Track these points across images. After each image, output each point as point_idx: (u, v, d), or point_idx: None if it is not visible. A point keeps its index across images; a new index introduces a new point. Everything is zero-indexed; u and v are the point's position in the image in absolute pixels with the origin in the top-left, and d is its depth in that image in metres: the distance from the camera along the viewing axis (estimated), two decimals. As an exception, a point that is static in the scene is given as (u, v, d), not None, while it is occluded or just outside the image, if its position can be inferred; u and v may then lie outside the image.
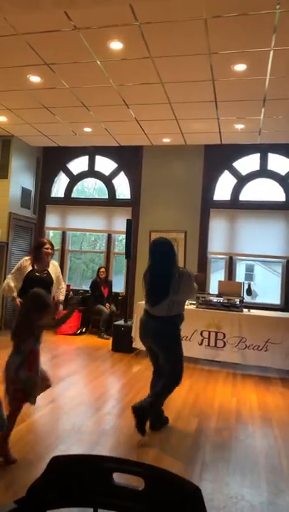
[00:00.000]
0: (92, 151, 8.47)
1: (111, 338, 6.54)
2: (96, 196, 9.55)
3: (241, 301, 5.86)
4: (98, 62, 4.72)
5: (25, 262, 4.30)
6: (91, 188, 10.11)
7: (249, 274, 11.85)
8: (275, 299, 7.52)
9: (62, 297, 4.51)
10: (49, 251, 4.36)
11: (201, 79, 4.95)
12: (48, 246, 4.35)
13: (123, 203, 8.36)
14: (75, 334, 7.45)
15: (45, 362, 4.82)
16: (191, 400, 4.25)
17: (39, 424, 3.44)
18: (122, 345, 6.24)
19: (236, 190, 7.75)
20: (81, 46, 4.37)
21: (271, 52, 4.28)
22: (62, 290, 4.53)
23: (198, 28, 3.93)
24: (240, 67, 4.62)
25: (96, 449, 3.00)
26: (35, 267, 4.28)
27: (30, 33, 4.19)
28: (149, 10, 3.71)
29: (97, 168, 8.60)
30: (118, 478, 1.01)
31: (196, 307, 5.90)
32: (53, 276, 4.36)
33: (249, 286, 6.24)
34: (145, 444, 3.15)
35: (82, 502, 1.04)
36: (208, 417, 3.82)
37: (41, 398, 4.03)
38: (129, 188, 8.33)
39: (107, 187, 8.54)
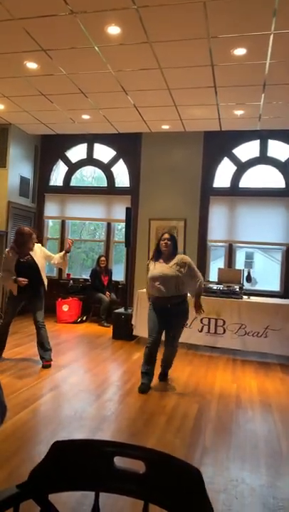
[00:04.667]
0: (90, 139, 8.40)
1: (111, 326, 6.58)
2: (95, 184, 9.49)
3: (241, 288, 5.88)
4: (96, 48, 4.65)
5: (9, 253, 4.60)
6: (90, 176, 10.05)
7: (249, 261, 11.86)
8: (275, 286, 7.54)
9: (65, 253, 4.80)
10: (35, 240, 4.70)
11: (200, 64, 4.88)
12: (34, 236, 4.69)
13: (122, 191, 8.32)
14: (75, 322, 7.49)
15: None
16: (191, 386, 4.29)
17: (41, 411, 3.47)
18: (122, 332, 6.27)
19: (236, 177, 7.70)
20: (78, 31, 4.30)
21: (271, 36, 4.21)
22: (56, 256, 4.81)
23: (197, 12, 3.86)
24: (239, 52, 4.55)
25: (97, 435, 3.03)
26: (19, 255, 4.57)
27: (27, 17, 4.11)
28: (146, -7, 3.64)
29: (95, 156, 8.53)
30: (119, 462, 1.02)
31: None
32: (39, 258, 4.64)
33: (249, 273, 6.25)
34: (146, 429, 3.18)
35: (84, 486, 1.05)
36: (209, 402, 3.86)
37: (43, 385, 4.07)
38: (128, 176, 8.28)
39: (106, 175, 8.50)
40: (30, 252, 4.58)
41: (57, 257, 4.79)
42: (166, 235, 4.18)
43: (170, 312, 4.06)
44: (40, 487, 1.03)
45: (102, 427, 3.19)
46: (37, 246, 4.70)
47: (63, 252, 4.79)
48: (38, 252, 4.66)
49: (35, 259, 4.58)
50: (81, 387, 4.10)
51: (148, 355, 4.07)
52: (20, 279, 4.46)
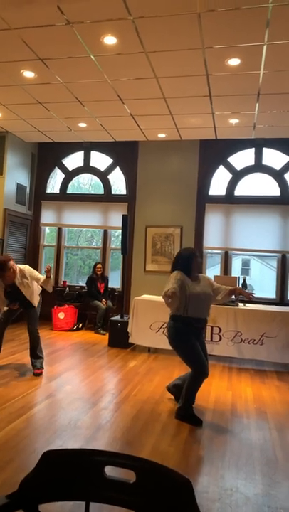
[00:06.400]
0: (87, 147, 8.44)
1: (107, 334, 6.56)
2: (92, 192, 9.53)
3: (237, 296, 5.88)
4: (92, 57, 4.69)
5: None
6: (87, 183, 10.08)
7: (245, 268, 11.90)
8: (271, 293, 7.56)
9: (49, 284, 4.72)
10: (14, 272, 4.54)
11: (195, 73, 4.94)
12: (10, 262, 4.52)
13: (119, 198, 8.35)
14: (71, 330, 7.47)
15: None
16: (187, 394, 4.27)
17: (36, 419, 3.45)
18: (118, 340, 6.26)
19: (231, 185, 7.76)
20: (75, 41, 4.35)
21: (264, 47, 4.27)
22: (41, 279, 4.67)
23: (192, 23, 3.91)
24: (234, 62, 4.61)
25: (92, 444, 3.01)
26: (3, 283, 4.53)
27: (24, 27, 4.16)
28: (142, 4, 3.69)
29: (92, 163, 8.58)
30: (110, 471, 1.02)
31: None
32: (27, 281, 4.60)
33: (244, 280, 6.27)
34: (141, 437, 3.17)
35: (75, 496, 1.05)
36: (204, 410, 3.84)
37: (38, 393, 4.06)
38: (124, 184, 8.32)
39: (102, 182, 8.53)
40: (16, 279, 4.54)
41: (41, 280, 4.68)
42: None
43: (201, 336, 3.73)
44: (31, 497, 1.03)
45: (96, 435, 3.17)
46: (24, 271, 4.59)
47: (45, 277, 4.66)
48: (26, 276, 4.60)
49: (23, 284, 4.56)
50: (76, 395, 4.08)
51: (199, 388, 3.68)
52: (11, 305, 4.68)
